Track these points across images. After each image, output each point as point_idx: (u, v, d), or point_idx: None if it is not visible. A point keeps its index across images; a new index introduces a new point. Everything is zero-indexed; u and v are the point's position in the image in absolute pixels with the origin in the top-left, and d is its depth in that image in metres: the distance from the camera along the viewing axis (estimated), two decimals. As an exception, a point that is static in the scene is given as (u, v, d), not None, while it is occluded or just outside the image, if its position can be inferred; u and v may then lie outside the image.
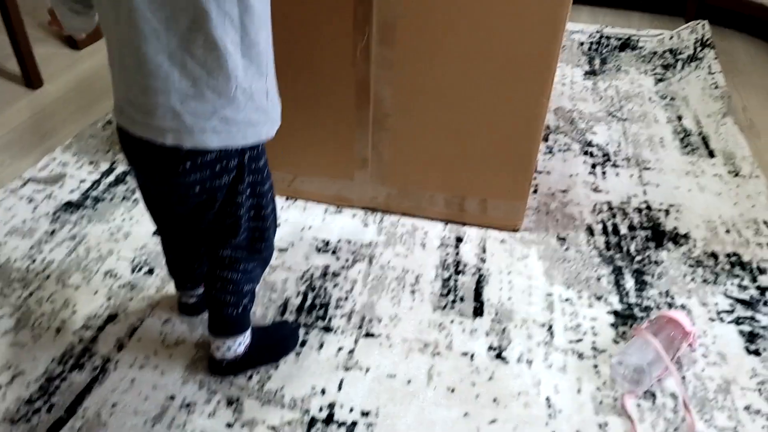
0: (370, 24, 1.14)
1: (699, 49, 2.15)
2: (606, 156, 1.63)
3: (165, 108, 0.78)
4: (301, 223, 1.34)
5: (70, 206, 1.34)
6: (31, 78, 1.74)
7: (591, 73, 2.04)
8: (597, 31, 2.32)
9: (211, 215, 0.89)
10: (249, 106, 0.82)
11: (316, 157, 1.34)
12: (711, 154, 1.65)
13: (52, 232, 1.27)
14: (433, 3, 1.11)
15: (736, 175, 1.57)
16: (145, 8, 0.73)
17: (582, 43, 2.24)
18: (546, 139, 1.69)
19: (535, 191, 1.49)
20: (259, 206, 0.92)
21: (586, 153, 1.64)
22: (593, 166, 1.59)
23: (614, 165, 1.60)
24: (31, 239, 1.26)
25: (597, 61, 2.12)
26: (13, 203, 1.35)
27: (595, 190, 1.50)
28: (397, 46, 1.16)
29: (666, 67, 2.09)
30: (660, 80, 2.02)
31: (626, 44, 2.24)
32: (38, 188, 1.39)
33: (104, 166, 1.46)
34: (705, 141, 1.71)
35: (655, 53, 2.18)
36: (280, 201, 1.40)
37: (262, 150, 0.90)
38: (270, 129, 0.87)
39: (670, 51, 2.18)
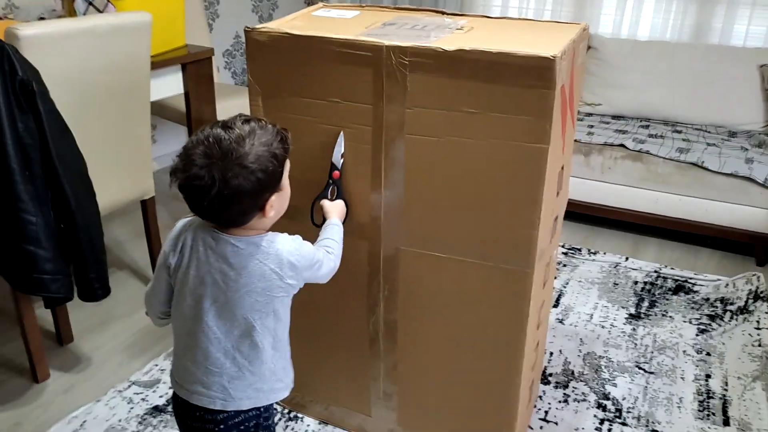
0: (378, 309, 1.48)
1: (751, 301, 2.25)
2: (618, 411, 1.78)
3: (217, 385, 1.16)
4: (324, 449, 1.63)
5: (156, 410, 1.74)
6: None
7: (635, 317, 2.21)
8: (655, 271, 2.49)
9: None
10: (273, 378, 1.19)
11: (342, 393, 1.64)
12: (726, 422, 1.73)
13: (137, 433, 1.67)
14: (429, 305, 1.43)
15: (745, 449, 1.64)
16: (213, 324, 1.13)
17: (636, 282, 2.42)
18: (566, 386, 1.87)
19: (538, 442, 1.67)
20: None
21: (599, 406, 1.80)
22: (602, 421, 1.74)
23: (623, 423, 1.73)
24: (121, 437, 1.65)
25: (645, 304, 2.28)
26: (116, 403, 1.77)
27: (596, 448, 1.65)
28: (400, 314, 1.48)
29: (712, 317, 2.20)
30: (703, 331, 2.13)
31: (681, 287, 2.38)
32: (138, 391, 1.81)
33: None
34: (725, 407, 1.79)
35: (707, 300, 2.30)
36: (314, 423, 1.70)
37: (272, 412, 1.24)
38: (286, 391, 1.23)
39: (722, 300, 2.29)
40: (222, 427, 1.17)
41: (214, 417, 1.17)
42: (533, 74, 1.16)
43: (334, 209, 1.37)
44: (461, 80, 1.22)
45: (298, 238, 1.17)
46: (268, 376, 1.18)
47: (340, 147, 1.38)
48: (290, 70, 1.36)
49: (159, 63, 2.11)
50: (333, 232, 1.31)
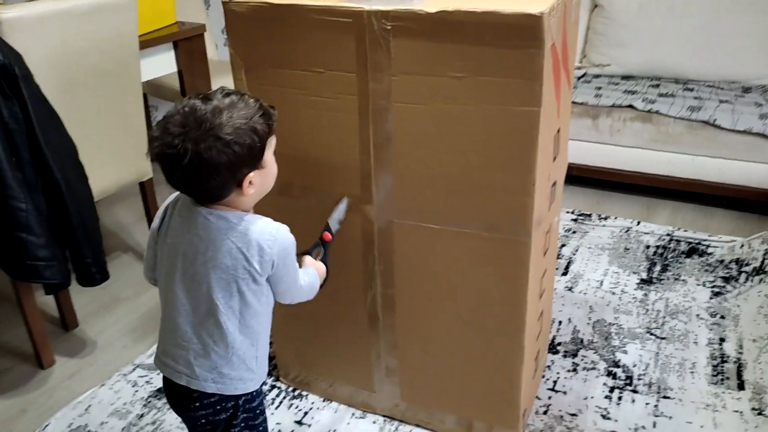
0: (375, 285, 1.45)
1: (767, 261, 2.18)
2: (629, 379, 1.74)
3: (183, 359, 1.13)
4: (327, 426, 1.61)
5: (160, 392, 1.73)
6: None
7: (646, 282, 2.15)
8: (668, 234, 2.43)
9: None
10: (241, 367, 1.14)
11: (345, 371, 1.62)
12: (740, 387, 1.69)
13: (141, 416, 1.66)
14: (426, 279, 1.39)
15: (760, 413, 1.60)
16: (182, 295, 1.11)
17: (648, 246, 2.35)
18: (575, 355, 1.83)
19: (546, 412, 1.64)
20: None
21: (609, 374, 1.76)
22: (612, 389, 1.70)
23: (633, 390, 1.70)
24: (125, 420, 1.65)
25: (657, 268, 2.22)
26: (121, 387, 1.77)
27: (605, 417, 1.61)
28: (397, 289, 1.44)
29: (727, 279, 2.14)
30: (717, 294, 2.07)
31: (694, 250, 2.32)
32: (143, 373, 1.81)
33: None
34: (739, 370, 1.74)
35: (721, 262, 2.23)
36: (318, 401, 1.68)
37: (257, 394, 1.21)
38: (256, 384, 1.18)
39: (737, 261, 2.23)
40: (197, 404, 1.15)
41: (185, 395, 1.15)
42: (520, 34, 1.10)
43: (314, 266, 1.29)
44: (446, 44, 1.16)
45: (282, 225, 1.12)
46: (236, 362, 1.13)
47: (341, 212, 1.34)
48: (271, 41, 1.31)
49: (149, 41, 2.07)
50: (312, 271, 1.25)
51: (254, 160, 1.07)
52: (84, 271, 1.71)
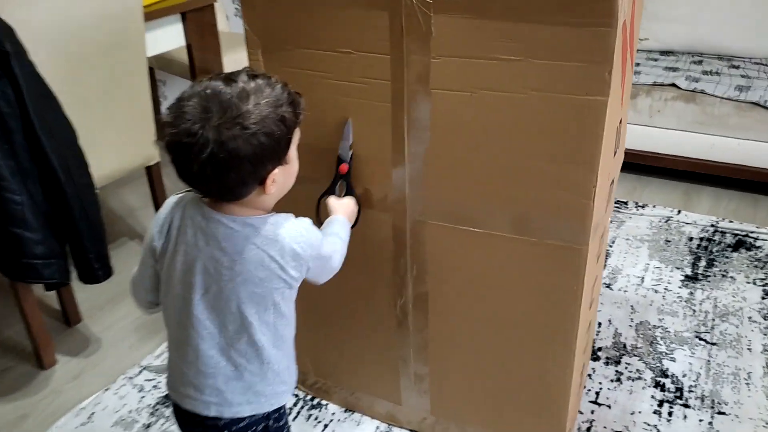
0: (406, 287, 1.30)
1: (823, 257, 2.01)
2: (679, 391, 1.59)
3: (211, 387, 0.99)
4: (350, 440, 1.48)
5: (168, 398, 1.61)
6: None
7: (691, 279, 1.99)
8: (711, 225, 2.26)
9: None
10: (276, 380, 1.02)
11: (369, 379, 1.48)
12: (802, 401, 1.54)
13: (148, 426, 1.53)
14: (464, 286, 1.24)
15: (827, 432, 1.45)
16: (204, 317, 0.97)
17: (691, 239, 2.19)
18: (618, 362, 1.68)
19: (589, 429, 1.49)
20: None
21: (657, 385, 1.61)
22: (660, 403, 1.56)
23: (685, 404, 1.55)
24: (131, 431, 1.52)
25: (702, 263, 2.06)
26: (126, 392, 1.64)
27: (654, 434, 1.47)
28: (431, 291, 1.29)
29: (779, 276, 1.98)
30: (769, 293, 1.91)
31: (741, 243, 2.15)
32: (150, 377, 1.68)
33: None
34: (800, 382, 1.59)
35: (772, 257, 2.07)
36: (339, 411, 1.55)
37: (283, 412, 1.08)
38: (288, 394, 1.06)
39: (789, 256, 2.06)
40: None
41: (215, 422, 1.01)
42: (590, 9, 0.93)
43: (341, 208, 1.17)
44: (497, 21, 0.99)
45: (306, 222, 0.98)
46: (271, 378, 1.01)
47: (348, 136, 1.18)
48: (293, 17, 1.15)
49: (154, 13, 1.89)
50: (337, 227, 1.12)
51: (280, 155, 0.92)
52: (86, 268, 1.57)
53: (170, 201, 1.01)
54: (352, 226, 1.18)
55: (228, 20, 3.05)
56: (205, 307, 0.96)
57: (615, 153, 1.20)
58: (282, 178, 0.94)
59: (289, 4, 1.14)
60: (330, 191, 1.21)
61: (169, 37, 2.03)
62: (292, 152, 0.95)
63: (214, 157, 0.84)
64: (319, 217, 1.20)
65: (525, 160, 1.08)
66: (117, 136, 1.83)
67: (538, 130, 1.05)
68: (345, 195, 1.21)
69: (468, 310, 1.27)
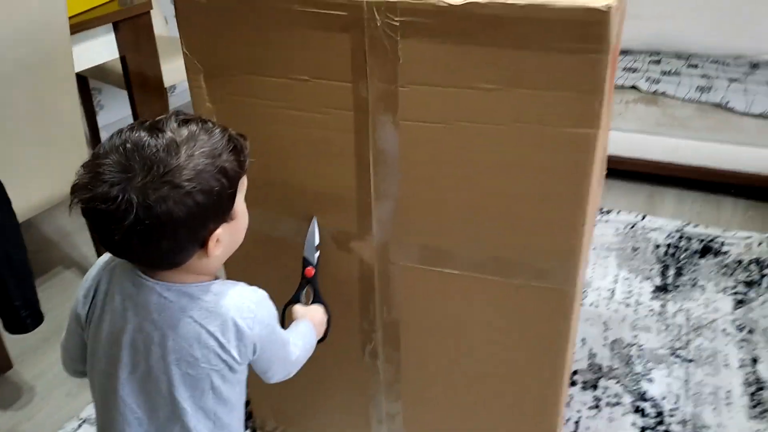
0: (375, 337, 1.18)
1: (790, 261, 1.99)
2: (659, 416, 1.52)
3: None
4: (318, 495, 1.36)
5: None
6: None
7: (661, 290, 1.93)
8: (677, 230, 2.21)
9: None
10: None
11: (336, 425, 1.36)
12: (784, 421, 1.49)
13: (90, 490, 1.38)
14: (441, 331, 1.12)
15: (811, 454, 1.40)
16: (131, 400, 0.82)
17: (658, 246, 2.14)
18: (595, 387, 1.61)
19: (571, 463, 1.41)
20: None
21: (637, 410, 1.54)
22: (642, 430, 1.49)
23: (667, 431, 1.48)
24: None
25: (671, 272, 2.01)
26: (65, 450, 1.48)
27: (639, 467, 1.40)
28: (403, 342, 1.18)
29: (749, 284, 1.94)
30: (740, 302, 1.87)
31: (708, 249, 2.11)
32: (91, 430, 1.52)
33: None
34: (780, 399, 1.55)
35: (739, 263, 2.03)
36: (305, 460, 1.42)
37: None
38: None
39: (757, 262, 2.03)
40: None
41: None
42: (580, 34, 0.82)
43: (307, 316, 1.04)
44: (474, 46, 0.88)
45: (259, 294, 0.85)
46: None
47: (313, 236, 1.06)
48: (240, 39, 1.00)
49: (83, 24, 1.71)
50: (303, 328, 1.00)
51: (223, 212, 0.79)
52: (12, 316, 1.40)
53: (100, 261, 0.87)
54: (321, 340, 1.06)
55: (167, 24, 2.85)
56: (132, 389, 0.82)
57: (600, 182, 1.10)
58: (228, 237, 0.81)
59: (234, 23, 1.00)
60: (295, 299, 1.08)
61: (100, 50, 1.84)
62: (239, 205, 0.82)
63: (140, 224, 0.71)
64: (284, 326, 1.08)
65: (506, 197, 0.97)
66: (45, 161, 1.64)
67: (521, 165, 0.94)
68: (312, 302, 1.08)
69: (445, 356, 1.16)
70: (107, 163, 0.72)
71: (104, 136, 2.94)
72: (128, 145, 0.73)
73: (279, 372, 0.93)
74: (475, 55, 0.88)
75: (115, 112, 2.92)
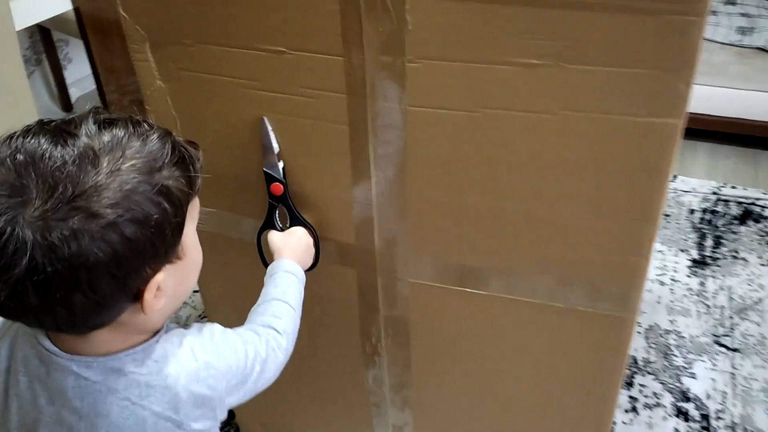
0: (380, 362, 0.97)
1: (843, 228, 1.77)
2: (705, 419, 1.33)
3: None
4: None
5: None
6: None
7: (699, 264, 1.72)
8: (713, 193, 1.98)
9: None
10: None
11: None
12: None
13: None
14: (458, 358, 0.91)
15: None
16: None
17: (692, 211, 1.91)
18: (630, 384, 1.41)
19: (607, 481, 1.23)
20: None
21: (679, 413, 1.35)
22: (687, 438, 1.31)
23: (714, 437, 1.30)
24: None
25: (709, 242, 1.79)
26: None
27: (685, 484, 1.22)
28: (414, 371, 0.97)
29: (797, 256, 1.73)
30: (788, 277, 1.66)
31: (748, 214, 1.89)
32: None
33: None
34: (842, 397, 1.36)
35: (784, 229, 1.81)
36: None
37: None
38: None
39: (805, 229, 1.81)
40: None
41: None
42: (668, -11, 0.57)
43: (287, 246, 0.82)
44: (512, 6, 0.63)
45: (214, 333, 0.64)
46: None
47: (269, 141, 0.81)
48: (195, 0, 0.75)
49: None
50: (282, 290, 0.77)
51: (165, 249, 0.55)
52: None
53: None
54: (311, 267, 0.84)
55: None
56: None
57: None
58: (174, 283, 0.58)
59: (185, -24, 0.74)
60: (268, 224, 0.85)
61: (47, 2, 1.56)
62: (189, 238, 0.58)
63: (38, 274, 0.48)
64: (266, 264, 0.85)
65: (550, 204, 0.74)
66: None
67: (573, 165, 0.70)
68: (290, 225, 0.85)
69: (464, 380, 0.96)
70: None
71: (73, 93, 2.66)
72: (19, 157, 0.49)
73: (265, 383, 0.71)
74: (512, 19, 0.63)
75: (85, 67, 2.63)
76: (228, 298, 1.03)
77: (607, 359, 0.84)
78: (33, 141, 0.50)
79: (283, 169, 0.82)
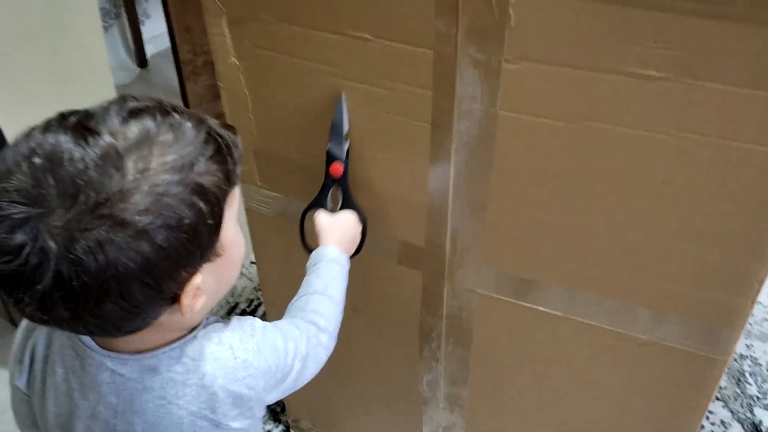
0: (437, 375, 0.92)
1: None
2: (778, 458, 1.24)
3: None
4: None
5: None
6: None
7: (784, 285, 1.60)
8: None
9: None
10: None
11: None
12: None
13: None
14: (522, 380, 0.85)
15: None
16: None
17: None
18: (697, 409, 1.32)
19: None
20: None
21: (749, 448, 1.26)
22: (755, 477, 1.22)
23: (787, 479, 1.21)
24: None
25: (797, 262, 1.66)
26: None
27: None
28: (472, 390, 0.92)
29: None
30: None
31: None
32: None
33: None
34: None
35: None
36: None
37: None
38: None
39: None
40: None
41: None
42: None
43: (334, 231, 0.77)
44: (640, 9, 0.55)
45: (255, 327, 0.60)
46: None
47: (341, 121, 0.75)
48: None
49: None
50: (326, 282, 0.72)
51: (202, 251, 0.50)
52: None
53: None
54: (355, 254, 0.79)
55: None
56: None
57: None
58: (213, 279, 0.53)
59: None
60: (318, 203, 0.80)
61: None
62: (228, 233, 0.53)
63: (64, 288, 0.44)
64: (306, 244, 0.81)
65: (650, 232, 0.66)
66: (60, 101, 1.40)
67: (682, 191, 0.62)
68: (341, 208, 0.80)
69: (522, 406, 0.90)
70: (9, 187, 0.44)
71: (149, 50, 2.66)
72: (36, 160, 0.44)
73: (313, 371, 0.68)
74: (636, 23, 0.55)
75: (163, 23, 2.62)
76: (287, 282, 0.99)
77: (691, 399, 0.77)
78: (51, 139, 0.45)
79: (347, 150, 0.77)
